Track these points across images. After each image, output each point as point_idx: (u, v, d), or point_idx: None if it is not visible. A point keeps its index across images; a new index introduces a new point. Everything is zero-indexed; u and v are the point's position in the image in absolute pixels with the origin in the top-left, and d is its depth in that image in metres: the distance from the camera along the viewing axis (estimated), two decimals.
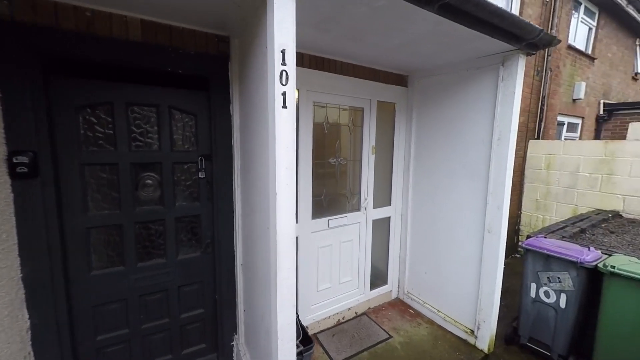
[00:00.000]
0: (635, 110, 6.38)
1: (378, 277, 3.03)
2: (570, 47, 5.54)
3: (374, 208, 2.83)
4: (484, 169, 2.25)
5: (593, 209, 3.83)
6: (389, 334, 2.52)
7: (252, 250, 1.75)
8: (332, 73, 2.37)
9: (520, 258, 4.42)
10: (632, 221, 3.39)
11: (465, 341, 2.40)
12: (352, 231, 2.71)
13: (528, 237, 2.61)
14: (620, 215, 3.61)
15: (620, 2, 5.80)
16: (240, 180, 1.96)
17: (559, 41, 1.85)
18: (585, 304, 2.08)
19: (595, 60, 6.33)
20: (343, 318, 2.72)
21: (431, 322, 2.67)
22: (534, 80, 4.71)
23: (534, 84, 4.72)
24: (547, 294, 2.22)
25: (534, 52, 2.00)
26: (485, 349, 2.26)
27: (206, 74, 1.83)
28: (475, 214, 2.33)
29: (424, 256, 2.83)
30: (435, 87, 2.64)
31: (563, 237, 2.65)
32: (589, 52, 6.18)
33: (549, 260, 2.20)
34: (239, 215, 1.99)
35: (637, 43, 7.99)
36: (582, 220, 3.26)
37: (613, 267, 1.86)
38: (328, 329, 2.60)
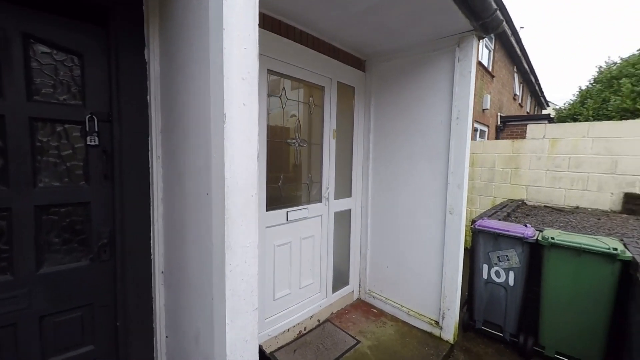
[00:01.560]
0: (521, 122, 8.13)
1: (340, 278, 2.78)
2: (480, 63, 6.67)
3: (335, 199, 2.59)
4: (444, 149, 2.27)
5: (506, 199, 4.54)
6: (356, 339, 2.27)
7: (182, 244, 1.23)
8: (291, 40, 2.05)
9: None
10: (534, 207, 4.11)
11: (430, 334, 2.35)
12: (313, 225, 2.39)
13: (473, 221, 2.79)
14: (525, 203, 4.36)
15: (507, 30, 7.33)
16: (161, 150, 1.40)
17: (502, 20, 2.01)
18: (530, 279, 2.27)
19: (494, 78, 7.84)
20: (305, 329, 2.34)
21: (395, 319, 2.56)
22: None
23: None
24: (497, 273, 2.36)
25: (485, 36, 2.13)
26: (451, 339, 2.24)
27: (105, 2, 1.25)
28: (437, 196, 2.33)
29: (385, 249, 2.72)
30: (393, 71, 2.60)
31: (499, 219, 2.95)
32: (491, 70, 7.60)
33: (498, 239, 2.35)
34: (159, 200, 1.42)
35: (515, 70, 10.35)
36: (503, 208, 3.78)
37: (552, 238, 2.08)
38: (288, 344, 2.18)
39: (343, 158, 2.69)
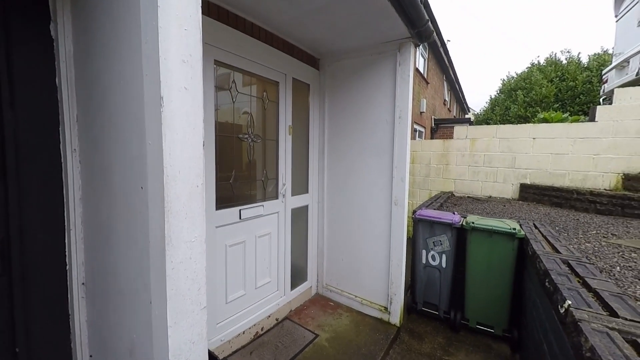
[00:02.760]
0: (449, 124, 9.35)
1: (298, 274, 2.79)
2: (417, 70, 7.42)
3: (292, 195, 2.57)
4: (389, 146, 2.47)
5: (439, 192, 5.20)
6: (315, 333, 2.33)
7: (109, 249, 1.07)
8: (241, 32, 1.94)
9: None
10: (460, 197, 4.81)
11: (381, 320, 2.55)
12: (269, 223, 2.34)
13: (414, 211, 3.13)
14: (454, 194, 5.07)
15: (437, 41, 8.32)
16: (78, 142, 1.20)
17: (433, 31, 2.28)
18: (458, 260, 2.66)
19: (429, 85, 8.82)
20: (262, 329, 2.29)
21: (350, 310, 2.70)
22: None
23: None
24: (433, 257, 2.71)
25: (419, 43, 2.38)
26: (398, 323, 2.48)
27: None
28: (384, 189, 2.53)
29: (341, 243, 2.84)
30: (344, 70, 2.70)
31: (435, 209, 3.37)
32: (426, 76, 8.53)
33: (433, 226, 2.69)
34: (75, 200, 1.21)
35: (444, 79, 11.82)
36: (437, 199, 4.32)
37: (473, 222, 2.47)
38: (244, 347, 2.10)
39: (300, 154, 2.70)
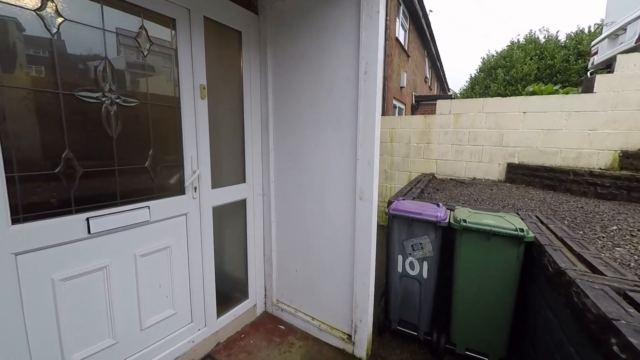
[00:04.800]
0: (431, 102, 8.63)
1: (231, 293, 2.03)
2: (397, 40, 6.49)
3: (215, 188, 1.73)
4: (352, 114, 1.67)
5: (420, 174, 4.53)
6: None
7: None
8: None
9: (383, 228, 4.65)
10: (442, 180, 4.17)
11: (343, 351, 1.85)
12: (167, 232, 1.50)
13: (390, 202, 2.40)
14: (435, 176, 4.42)
15: (419, 12, 7.36)
16: None
17: None
18: (443, 269, 1.98)
19: (409, 58, 7.93)
20: None
21: (306, 337, 1.99)
22: None
23: None
24: (412, 265, 2.01)
25: None
26: (364, 356, 1.79)
27: None
28: (345, 175, 1.75)
29: (294, 247, 2.08)
30: (292, 13, 1.79)
31: (414, 198, 2.66)
32: (407, 49, 7.62)
33: (412, 225, 1.97)
34: None
35: (425, 54, 10.95)
36: (417, 183, 3.63)
37: (464, 220, 1.77)
38: None
39: (227, 128, 1.83)
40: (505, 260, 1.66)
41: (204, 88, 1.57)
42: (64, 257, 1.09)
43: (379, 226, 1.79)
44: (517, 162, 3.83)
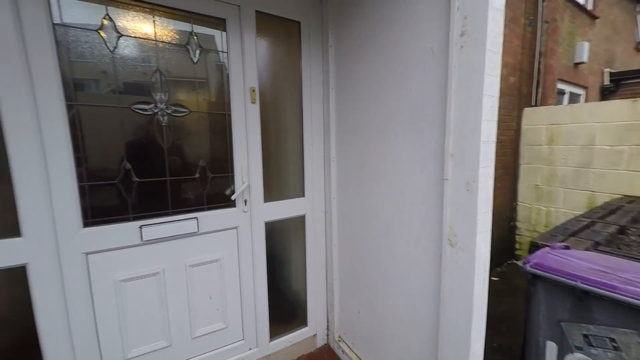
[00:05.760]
0: None
1: (287, 317, 1.78)
2: None
3: (268, 201, 1.58)
4: (437, 106, 1.01)
5: (620, 196, 2.59)
6: None
7: None
8: None
9: (518, 269, 3.12)
10: None
11: None
12: (217, 244, 1.45)
13: (534, 246, 1.38)
14: None
15: None
16: None
17: None
18: None
19: (596, 20, 5.10)
20: None
21: None
22: (526, 32, 3.53)
23: (526, 37, 3.53)
24: None
25: None
26: None
27: None
28: (425, 203, 1.08)
29: (356, 282, 1.58)
30: None
31: (597, 244, 1.40)
32: (590, 8, 4.94)
33: (587, 299, 0.95)
34: None
35: (638, 10, 6.79)
36: (611, 212, 2.02)
37: None
38: None
39: (283, 134, 1.66)
40: None
41: (253, 91, 1.46)
42: (123, 260, 1.24)
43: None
44: None
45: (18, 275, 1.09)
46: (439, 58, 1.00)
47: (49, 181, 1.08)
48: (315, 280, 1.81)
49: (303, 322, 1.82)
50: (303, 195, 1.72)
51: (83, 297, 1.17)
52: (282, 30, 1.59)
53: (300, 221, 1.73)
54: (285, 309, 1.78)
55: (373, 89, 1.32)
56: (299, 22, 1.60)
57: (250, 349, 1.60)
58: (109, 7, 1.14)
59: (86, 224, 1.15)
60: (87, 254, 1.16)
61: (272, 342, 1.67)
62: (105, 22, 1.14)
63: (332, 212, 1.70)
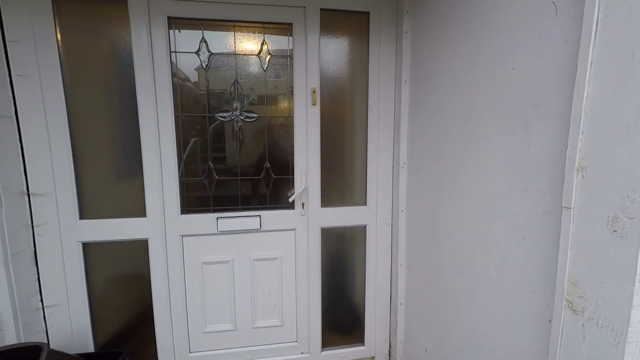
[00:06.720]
0: None
1: (341, 331, 1.66)
2: None
3: (324, 207, 1.50)
4: (554, 93, 0.63)
5: None
6: None
7: None
8: None
9: None
10: None
11: None
12: (276, 242, 1.49)
13: None
14: None
15: None
16: None
17: None
18: None
19: None
20: None
21: None
22: None
23: None
24: None
25: None
26: None
27: None
28: (525, 238, 0.71)
29: (425, 314, 1.28)
30: None
31: None
32: None
33: None
34: None
35: None
36: None
37: None
38: None
39: (344, 137, 1.53)
40: None
41: (314, 92, 1.39)
42: (205, 246, 1.45)
43: None
44: None
45: (144, 246, 1.43)
46: (566, 16, 0.62)
47: (162, 175, 1.36)
48: (376, 298, 1.60)
49: (359, 340, 1.65)
50: (365, 204, 1.54)
51: (179, 269, 1.43)
52: (347, 24, 1.45)
53: (360, 231, 1.57)
54: (340, 321, 1.66)
55: (454, 70, 1.01)
56: (367, 13, 1.42)
57: (302, 352, 1.58)
58: (205, 31, 1.33)
59: (182, 211, 1.40)
60: (183, 236, 1.41)
61: (324, 352, 1.60)
62: (202, 44, 1.34)
63: (400, 226, 1.45)
